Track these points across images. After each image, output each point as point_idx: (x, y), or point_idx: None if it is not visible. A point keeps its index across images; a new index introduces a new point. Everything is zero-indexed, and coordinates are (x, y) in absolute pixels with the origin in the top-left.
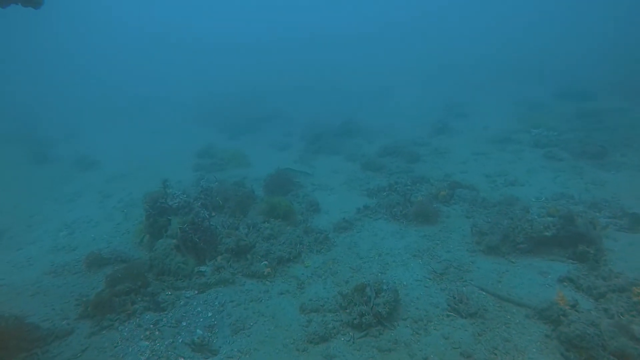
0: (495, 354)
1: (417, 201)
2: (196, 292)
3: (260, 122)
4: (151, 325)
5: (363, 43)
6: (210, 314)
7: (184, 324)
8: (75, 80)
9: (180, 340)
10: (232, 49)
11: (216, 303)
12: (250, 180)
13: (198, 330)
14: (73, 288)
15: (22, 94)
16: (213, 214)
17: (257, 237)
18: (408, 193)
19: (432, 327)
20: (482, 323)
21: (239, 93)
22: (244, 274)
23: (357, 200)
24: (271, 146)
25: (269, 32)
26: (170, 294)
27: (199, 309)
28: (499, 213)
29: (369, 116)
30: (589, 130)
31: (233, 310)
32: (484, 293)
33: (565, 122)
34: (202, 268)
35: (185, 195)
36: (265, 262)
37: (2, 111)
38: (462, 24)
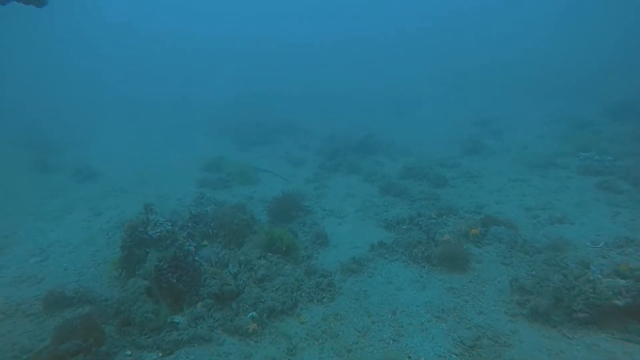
0: None
1: (442, 240)
2: (161, 354)
3: (277, 132)
4: None
5: (385, 50)
6: None
7: None
8: (87, 85)
9: None
10: (251, 55)
11: None
12: (255, 202)
13: None
14: (18, 338)
15: (33, 98)
16: (205, 242)
17: (248, 278)
18: (432, 229)
19: None
20: None
21: (256, 101)
22: (225, 328)
23: (373, 233)
24: (285, 160)
25: (290, 38)
26: (130, 355)
27: None
28: (546, 263)
29: (392, 129)
30: None
31: None
32: None
33: (620, 145)
34: (177, 318)
35: (169, 224)
36: (253, 314)
37: (13, 116)
38: (490, 27)
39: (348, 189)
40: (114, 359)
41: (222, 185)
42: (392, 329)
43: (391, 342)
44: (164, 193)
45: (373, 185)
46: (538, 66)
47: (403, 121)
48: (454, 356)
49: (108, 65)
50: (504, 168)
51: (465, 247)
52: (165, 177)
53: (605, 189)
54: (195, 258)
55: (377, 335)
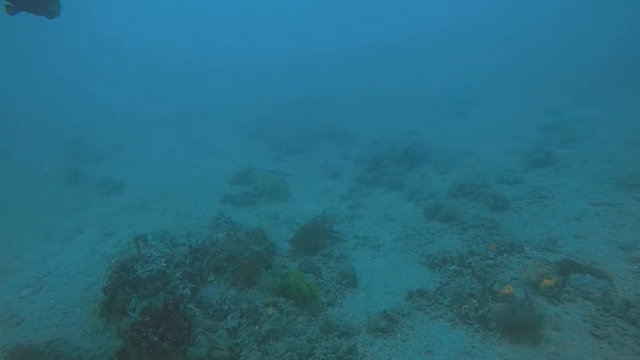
0: None
1: (503, 294)
2: None
3: (318, 139)
4: None
5: (432, 48)
6: None
7: None
8: (131, 94)
9: None
10: (300, 59)
11: None
12: (280, 222)
13: None
14: None
15: (78, 107)
16: (212, 277)
17: (249, 335)
18: (489, 274)
19: None
20: None
21: (305, 107)
22: None
23: (412, 273)
24: (322, 170)
25: (338, 42)
26: None
27: None
28: None
29: (445, 132)
30: None
31: None
32: None
33: None
34: None
35: (163, 260)
36: None
37: (61, 125)
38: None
39: (387, 209)
40: None
41: (247, 202)
42: None
43: None
44: (183, 210)
45: (417, 205)
46: (619, 53)
47: (457, 123)
48: None
49: (156, 73)
50: (582, 187)
51: (535, 304)
52: (190, 190)
53: None
54: (188, 306)
55: None
